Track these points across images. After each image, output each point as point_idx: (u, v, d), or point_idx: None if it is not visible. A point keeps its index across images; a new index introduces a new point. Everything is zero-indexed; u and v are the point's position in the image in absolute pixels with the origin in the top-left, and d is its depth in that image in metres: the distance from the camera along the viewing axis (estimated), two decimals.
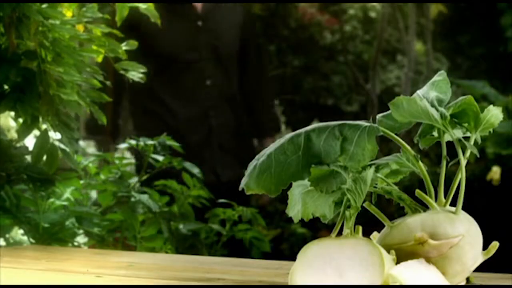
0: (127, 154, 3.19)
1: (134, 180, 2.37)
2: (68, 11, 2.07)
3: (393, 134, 1.08)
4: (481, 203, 4.11)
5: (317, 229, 4.44)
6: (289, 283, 1.03)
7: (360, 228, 1.04)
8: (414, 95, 1.10)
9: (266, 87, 3.54)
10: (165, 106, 3.24)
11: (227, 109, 3.26)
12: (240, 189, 1.07)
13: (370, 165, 1.05)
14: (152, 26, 2.22)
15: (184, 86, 3.23)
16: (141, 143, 2.32)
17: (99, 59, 2.08)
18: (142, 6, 2.10)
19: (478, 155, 1.09)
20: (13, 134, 2.63)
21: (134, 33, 2.73)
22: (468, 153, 1.10)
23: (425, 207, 1.10)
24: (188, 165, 2.30)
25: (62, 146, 2.06)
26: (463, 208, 1.08)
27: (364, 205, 1.07)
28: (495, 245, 1.08)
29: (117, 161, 2.43)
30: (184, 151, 2.32)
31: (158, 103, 3.26)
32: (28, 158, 2.14)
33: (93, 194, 2.61)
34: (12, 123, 2.71)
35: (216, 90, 3.24)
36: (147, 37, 3.06)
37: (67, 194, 2.43)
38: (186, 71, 3.21)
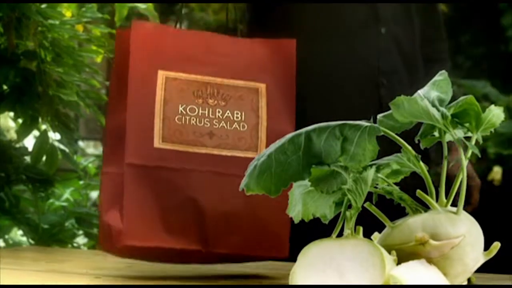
0: None
1: None
2: (67, 11, 2.07)
3: (394, 134, 1.08)
4: (482, 203, 4.10)
5: None
6: (289, 284, 1.03)
7: (361, 228, 1.04)
8: (415, 95, 1.10)
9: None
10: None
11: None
12: (240, 189, 1.07)
13: (371, 165, 1.04)
14: None
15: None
16: None
17: (99, 59, 2.08)
18: (141, 6, 2.10)
19: (479, 155, 1.09)
20: (13, 135, 2.63)
21: None
22: (469, 153, 1.10)
23: (426, 207, 1.10)
24: None
25: (61, 146, 2.06)
26: (464, 209, 1.08)
27: (364, 205, 1.07)
28: (496, 245, 1.08)
29: None
30: None
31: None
32: (28, 158, 2.14)
33: (93, 194, 2.61)
34: (12, 124, 2.72)
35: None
36: None
37: (67, 194, 2.43)
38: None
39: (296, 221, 1.12)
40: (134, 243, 1.30)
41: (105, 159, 1.39)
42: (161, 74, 1.37)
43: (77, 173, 2.39)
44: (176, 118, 1.35)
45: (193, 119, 1.37)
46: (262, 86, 1.42)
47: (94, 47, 2.04)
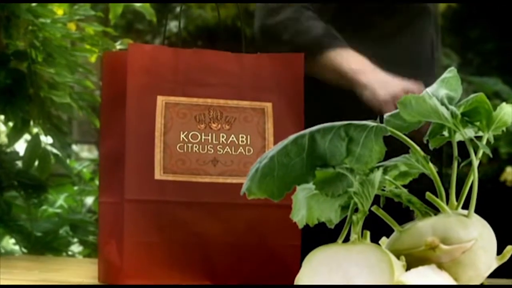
0: None
1: None
2: (59, 9, 2.07)
3: (401, 134, 1.08)
4: (495, 205, 4.11)
5: None
6: None
7: (368, 233, 1.04)
8: (423, 93, 1.10)
9: None
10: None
11: None
12: (241, 193, 1.07)
13: (378, 167, 1.04)
14: None
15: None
16: None
17: (93, 58, 2.08)
18: (137, 4, 2.10)
19: (491, 155, 1.09)
20: (3, 139, 2.63)
21: None
22: (480, 153, 1.10)
23: (436, 210, 1.10)
24: None
25: (54, 150, 2.06)
26: (476, 211, 1.08)
27: (372, 208, 1.07)
28: (510, 249, 1.08)
29: None
30: None
31: None
32: (19, 163, 2.14)
33: (88, 200, 2.61)
34: (2, 127, 2.72)
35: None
36: None
37: (61, 201, 2.43)
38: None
39: (301, 226, 1.12)
40: (135, 281, 1.30)
41: (101, 187, 1.38)
42: (160, 100, 1.35)
43: (71, 178, 2.39)
44: (178, 146, 1.34)
45: (195, 146, 1.35)
46: (268, 106, 1.40)
47: (87, 46, 2.04)
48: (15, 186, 2.12)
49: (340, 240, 1.05)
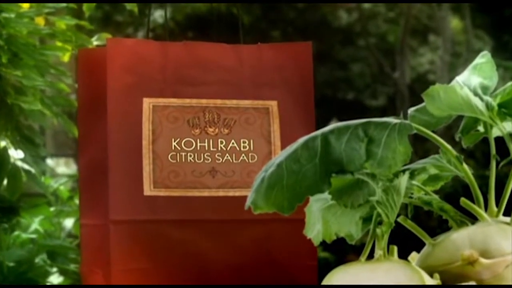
0: None
1: None
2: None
3: (429, 132, 1.08)
4: None
5: (342, 252, 4.43)
6: None
7: (396, 248, 1.04)
8: (453, 82, 1.10)
9: None
10: None
11: None
12: (246, 208, 1.07)
13: (404, 171, 1.04)
14: None
15: None
16: None
17: (65, 57, 2.08)
18: None
19: None
20: None
21: None
22: None
23: (473, 219, 1.10)
24: None
25: (25, 166, 2.06)
26: None
27: (398, 219, 1.07)
28: None
29: None
30: None
31: None
32: None
33: (67, 223, 2.61)
34: None
35: None
36: None
37: (35, 224, 2.43)
38: None
39: (316, 243, 1.13)
40: None
41: (82, 207, 1.38)
42: (147, 103, 1.36)
43: (47, 198, 2.39)
44: (169, 156, 1.34)
45: (190, 155, 1.35)
46: (272, 104, 1.40)
47: (59, 43, 2.04)
48: None
49: (363, 258, 1.05)
